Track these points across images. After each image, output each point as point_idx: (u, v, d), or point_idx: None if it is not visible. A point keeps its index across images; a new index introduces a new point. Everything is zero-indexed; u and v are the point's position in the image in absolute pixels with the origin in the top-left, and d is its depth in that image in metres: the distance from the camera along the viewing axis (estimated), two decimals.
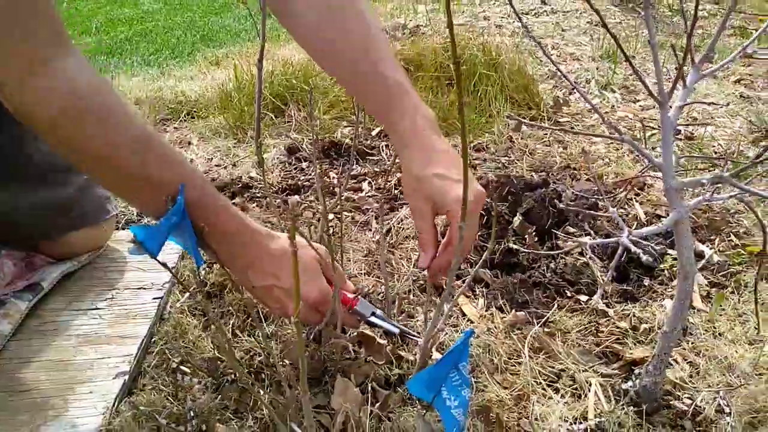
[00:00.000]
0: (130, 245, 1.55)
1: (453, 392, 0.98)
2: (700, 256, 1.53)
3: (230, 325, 1.29)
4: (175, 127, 2.36)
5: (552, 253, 1.31)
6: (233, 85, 2.49)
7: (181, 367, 1.18)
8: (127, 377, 1.10)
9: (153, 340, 1.23)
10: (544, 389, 1.13)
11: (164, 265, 1.02)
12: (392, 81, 0.97)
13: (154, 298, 1.33)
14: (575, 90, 2.65)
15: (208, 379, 1.15)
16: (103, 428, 0.96)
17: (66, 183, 1.37)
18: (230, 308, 1.34)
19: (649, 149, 1.99)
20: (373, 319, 1.17)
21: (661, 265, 1.50)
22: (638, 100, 2.62)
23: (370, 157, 2.12)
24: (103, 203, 1.45)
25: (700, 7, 4.48)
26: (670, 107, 0.98)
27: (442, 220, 1.49)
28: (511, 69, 2.52)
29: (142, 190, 0.89)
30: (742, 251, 1.51)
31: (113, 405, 1.02)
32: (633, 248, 0.85)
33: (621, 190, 1.74)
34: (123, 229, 1.65)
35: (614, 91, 2.71)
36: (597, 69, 2.96)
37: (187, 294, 1.37)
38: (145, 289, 1.36)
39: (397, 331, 1.17)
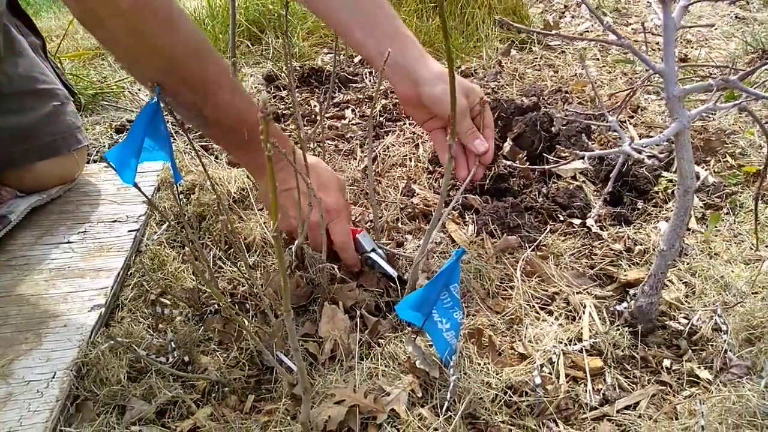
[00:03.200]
0: (101, 175, 1.47)
1: (444, 315, 0.94)
2: (695, 177, 1.48)
3: (211, 257, 1.24)
4: None
5: (546, 168, 1.25)
6: (206, 12, 2.35)
7: (161, 299, 1.13)
8: (103, 310, 1.05)
9: (130, 273, 1.17)
10: (537, 312, 1.10)
11: (138, 187, 0.96)
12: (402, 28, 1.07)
13: (130, 231, 1.26)
14: (567, 14, 2.54)
15: (189, 311, 1.11)
16: (79, 361, 0.92)
17: (33, 108, 1.28)
18: (209, 239, 1.28)
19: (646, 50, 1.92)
20: (373, 255, 1.14)
21: (656, 188, 1.45)
22: (630, 24, 2.52)
23: (353, 85, 2.02)
24: (73, 132, 1.36)
25: None
26: (675, 2, 0.91)
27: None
28: None
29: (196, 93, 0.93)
30: (738, 171, 1.47)
31: (89, 337, 0.98)
32: (635, 154, 0.80)
33: (614, 110, 1.67)
34: (95, 162, 1.56)
35: (606, 14, 2.61)
36: None
37: (165, 225, 1.30)
38: (120, 221, 1.30)
39: (394, 274, 1.13)
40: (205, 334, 1.07)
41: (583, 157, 0.92)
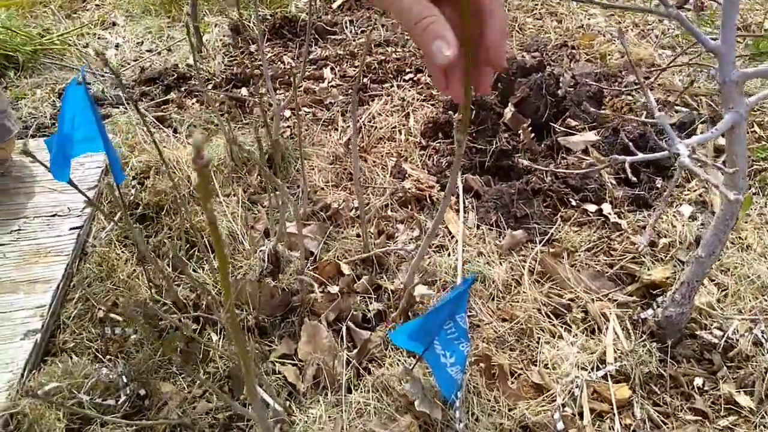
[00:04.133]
0: (43, 155, 1.26)
1: (448, 347, 0.79)
2: (718, 151, 1.32)
3: (171, 256, 1.06)
4: (96, 4, 1.96)
5: (558, 171, 1.08)
6: None
7: (111, 315, 0.96)
8: (39, 336, 0.88)
9: (72, 284, 0.99)
10: (552, 323, 0.95)
11: (74, 185, 0.77)
12: None
13: (72, 228, 1.07)
14: None
15: (144, 328, 0.94)
16: (6, 414, 0.75)
17: None
18: (170, 235, 1.10)
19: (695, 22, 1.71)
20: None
21: (676, 162, 1.29)
22: None
23: (332, 37, 1.79)
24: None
25: None
26: None
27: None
28: None
29: None
30: (767, 144, 1.31)
31: (21, 377, 0.81)
32: (699, 172, 0.62)
33: (629, 74, 1.49)
34: (32, 137, 1.35)
35: None
36: None
37: (116, 217, 1.11)
38: (60, 216, 1.10)
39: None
40: (164, 357, 0.91)
41: (624, 160, 0.75)
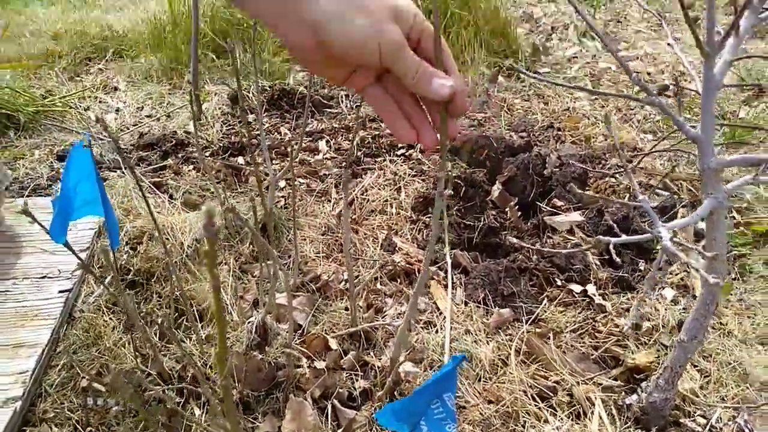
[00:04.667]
0: (37, 215, 1.27)
1: (435, 428, 0.79)
2: (698, 235, 1.36)
3: (159, 324, 1.06)
4: (99, 69, 2.02)
5: (543, 250, 1.11)
6: (167, 19, 2.14)
7: (94, 384, 0.95)
8: (19, 405, 0.86)
9: (57, 350, 0.98)
10: (538, 406, 0.95)
11: (69, 247, 0.78)
12: None
13: (61, 291, 1.07)
14: (554, 37, 2.42)
15: (127, 399, 0.93)
16: None
17: None
18: (159, 302, 1.10)
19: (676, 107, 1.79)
20: None
21: (658, 246, 1.33)
22: (620, 50, 2.41)
23: (328, 110, 1.85)
24: None
25: None
26: (718, 58, 0.77)
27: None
28: (486, 8, 2.25)
29: None
30: (746, 230, 1.35)
31: None
32: (681, 256, 0.65)
33: (613, 156, 1.55)
34: (29, 197, 1.36)
35: (594, 39, 2.49)
36: (575, 13, 2.72)
37: (106, 281, 1.11)
38: (50, 278, 1.10)
39: None
40: (146, 431, 0.90)
41: (607, 241, 0.77)
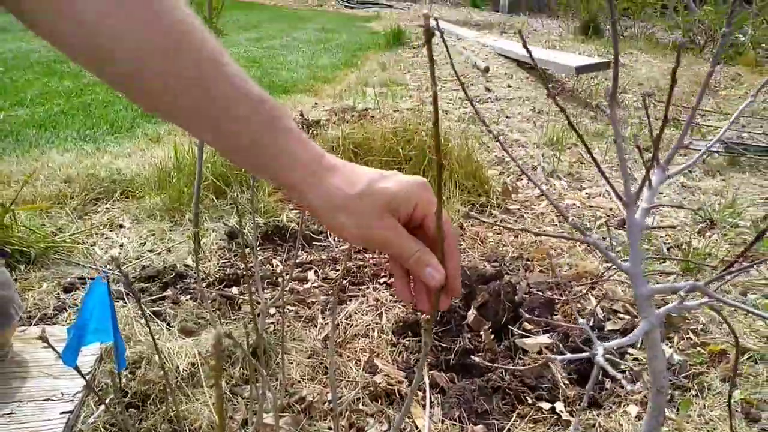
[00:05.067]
0: (39, 341, 1.36)
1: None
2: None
3: None
4: (106, 208, 2.20)
5: (517, 369, 1.21)
6: (173, 164, 2.37)
7: None
8: None
9: None
10: None
11: (78, 371, 0.87)
12: (257, 94, 0.54)
13: (63, 413, 1.14)
14: (524, 177, 2.67)
15: None
16: None
17: None
18: (153, 421, 1.17)
19: (611, 247, 1.97)
20: None
21: (622, 365, 1.43)
22: (584, 188, 2.65)
23: (317, 243, 2.02)
24: (4, 306, 1.26)
25: (633, 98, 4.74)
26: (637, 208, 0.94)
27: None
28: (460, 155, 2.51)
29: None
30: (702, 350, 1.46)
31: None
32: (611, 370, 0.76)
33: (579, 285, 1.69)
34: (35, 325, 1.46)
35: (560, 178, 2.75)
36: (542, 156, 3.01)
37: (103, 406, 1.19)
38: (53, 400, 1.18)
39: None
40: None
41: (554, 359, 0.89)
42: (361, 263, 1.83)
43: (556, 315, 1.61)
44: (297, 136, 0.55)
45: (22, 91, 3.81)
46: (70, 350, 0.93)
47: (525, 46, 0.71)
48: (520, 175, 2.78)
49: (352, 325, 1.51)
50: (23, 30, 6.53)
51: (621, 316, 1.60)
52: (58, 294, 1.61)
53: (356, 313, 1.55)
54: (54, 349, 0.88)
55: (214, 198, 2.25)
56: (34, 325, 1.45)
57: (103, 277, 0.98)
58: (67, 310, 1.53)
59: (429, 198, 0.57)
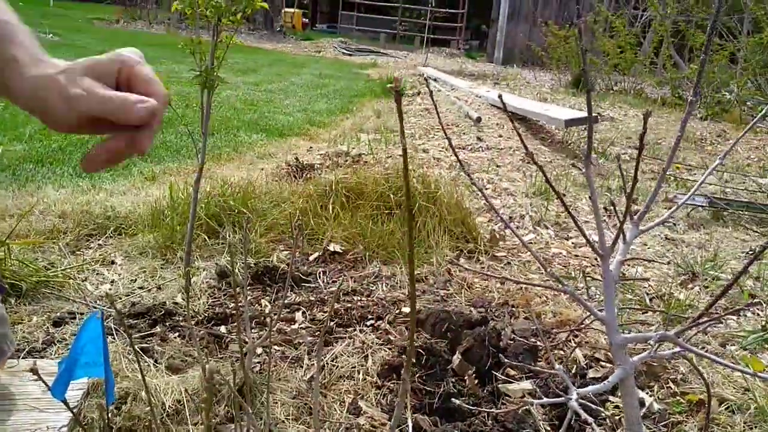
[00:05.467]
0: (27, 374, 1.37)
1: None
2: (640, 404, 1.49)
3: None
4: (99, 244, 2.23)
5: (496, 411, 1.24)
6: (167, 203, 2.41)
7: None
8: None
9: None
10: None
11: (66, 404, 0.89)
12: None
13: None
14: (512, 224, 2.73)
15: None
16: None
17: None
18: None
19: (588, 296, 2.02)
20: None
21: (603, 413, 1.45)
22: (570, 237, 2.71)
23: (306, 284, 2.04)
24: None
25: (622, 150, 4.87)
26: (612, 260, 0.98)
27: None
28: (449, 202, 2.57)
29: None
30: (681, 399, 1.49)
31: None
32: (583, 414, 0.80)
33: (560, 331, 1.72)
34: (24, 359, 1.47)
35: (547, 227, 2.81)
36: (531, 205, 3.08)
37: None
38: None
39: None
40: None
41: (530, 403, 0.92)
42: (349, 305, 1.86)
43: (539, 361, 1.63)
44: (26, 50, 0.62)
45: (21, 127, 3.87)
46: (60, 383, 0.94)
47: (506, 109, 0.77)
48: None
49: (337, 366, 1.52)
50: None
51: (603, 364, 1.62)
52: (48, 328, 1.62)
53: (342, 355, 1.57)
54: (44, 382, 0.90)
55: (206, 238, 2.29)
56: (23, 358, 1.46)
57: (98, 314, 1.01)
58: (55, 344, 1.55)
59: (130, 57, 0.62)
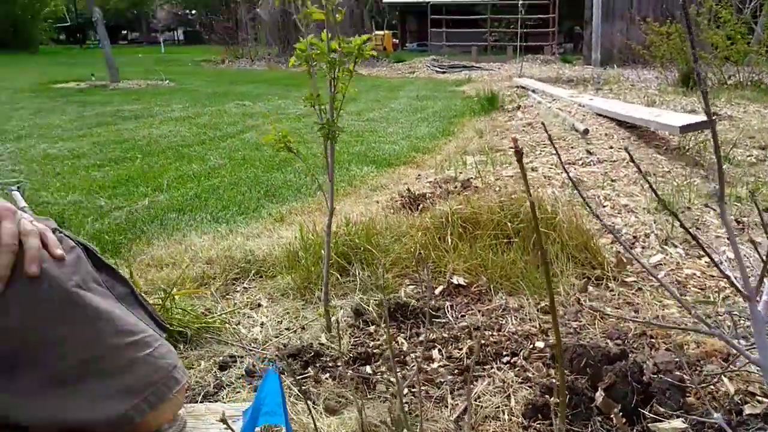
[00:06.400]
0: (208, 418, 1.54)
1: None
2: None
3: None
4: (244, 287, 2.44)
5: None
6: (300, 245, 2.59)
7: None
8: None
9: None
10: None
11: None
12: None
13: None
14: (637, 245, 2.66)
15: None
16: None
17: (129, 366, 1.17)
18: None
19: (735, 329, 1.93)
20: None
21: None
22: (703, 256, 2.60)
23: (436, 320, 2.12)
24: (170, 373, 1.21)
25: (746, 152, 4.57)
26: (758, 301, 0.97)
27: None
28: (570, 227, 2.56)
29: None
30: None
31: None
32: None
33: (707, 364, 1.67)
34: (201, 402, 1.65)
35: (676, 246, 2.71)
36: (655, 222, 2.98)
37: None
38: None
39: None
40: None
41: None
42: (483, 342, 1.91)
43: (688, 396, 1.59)
44: None
45: (159, 177, 4.29)
46: (246, 430, 1.08)
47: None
48: (633, 244, 2.77)
49: (481, 406, 1.58)
50: (152, 116, 7.30)
51: (759, 399, 1.56)
52: (215, 372, 1.80)
53: (484, 395, 1.63)
54: (232, 429, 1.03)
55: (339, 276, 2.43)
56: (200, 402, 1.64)
57: (275, 369, 1.14)
58: (224, 388, 1.72)
59: None
